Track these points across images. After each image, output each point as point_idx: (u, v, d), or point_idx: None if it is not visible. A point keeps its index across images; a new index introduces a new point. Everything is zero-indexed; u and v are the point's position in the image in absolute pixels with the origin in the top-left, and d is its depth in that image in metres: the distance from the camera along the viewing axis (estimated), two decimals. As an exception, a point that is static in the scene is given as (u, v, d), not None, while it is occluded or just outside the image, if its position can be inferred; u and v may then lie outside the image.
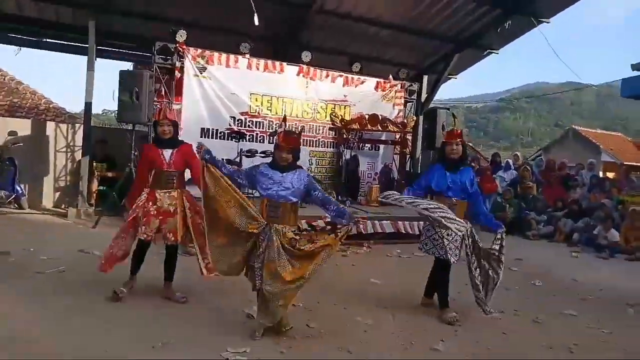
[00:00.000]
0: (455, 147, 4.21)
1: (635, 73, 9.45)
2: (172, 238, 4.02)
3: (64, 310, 3.75)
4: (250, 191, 7.71)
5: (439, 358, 3.35)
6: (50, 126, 9.24)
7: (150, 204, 4.01)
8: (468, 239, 4.05)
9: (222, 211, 3.48)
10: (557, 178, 10.43)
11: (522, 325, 4.16)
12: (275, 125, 8.85)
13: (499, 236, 4.13)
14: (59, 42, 10.22)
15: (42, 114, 12.24)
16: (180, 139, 4.38)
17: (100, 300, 3.97)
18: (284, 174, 3.51)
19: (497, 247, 4.10)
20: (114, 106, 8.34)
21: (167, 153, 4.08)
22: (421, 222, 5.50)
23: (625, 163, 20.45)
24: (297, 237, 3.44)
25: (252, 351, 3.18)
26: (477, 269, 4.07)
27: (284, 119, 4.44)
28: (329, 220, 4.05)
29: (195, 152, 3.74)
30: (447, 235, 4.05)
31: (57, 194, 9.05)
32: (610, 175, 14.60)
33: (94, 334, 3.34)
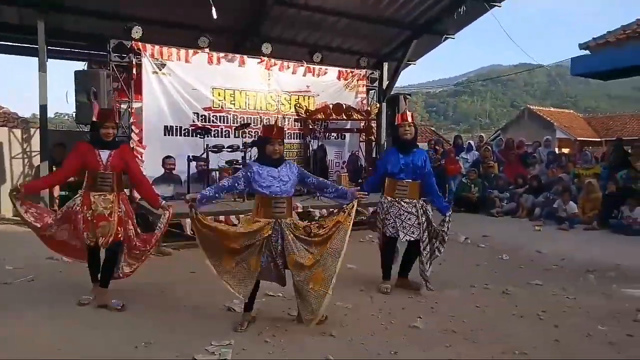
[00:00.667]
0: (407, 129, 4.38)
1: (584, 52, 9.92)
2: (104, 242, 3.81)
3: (40, 317, 3.67)
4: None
5: (419, 334, 3.46)
6: (2, 132, 8.84)
7: (85, 208, 3.80)
8: (421, 217, 4.29)
9: (226, 245, 3.40)
10: (516, 156, 10.82)
11: (493, 298, 4.35)
12: (240, 119, 8.79)
13: (447, 219, 4.39)
14: (4, 43, 9.74)
15: (-8, 120, 11.69)
16: (119, 140, 4.24)
17: (74, 305, 3.89)
18: (279, 168, 3.51)
19: (445, 229, 4.37)
20: (67, 109, 8.08)
21: (104, 154, 3.86)
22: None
23: (578, 139, 21.46)
24: (309, 225, 3.47)
25: (237, 343, 3.21)
26: (427, 247, 4.33)
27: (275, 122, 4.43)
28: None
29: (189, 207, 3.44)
30: (399, 215, 4.28)
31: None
32: (565, 151, 15.28)
33: (74, 337, 3.28)
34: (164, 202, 4.08)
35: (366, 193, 3.81)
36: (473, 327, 3.58)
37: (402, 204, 4.31)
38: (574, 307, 4.11)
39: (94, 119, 4.04)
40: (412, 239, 4.32)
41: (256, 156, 3.99)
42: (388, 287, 4.40)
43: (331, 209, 3.76)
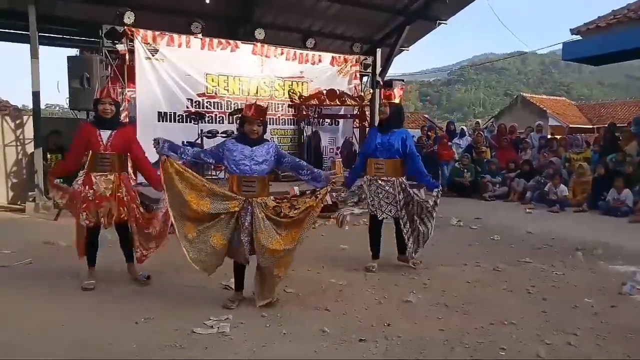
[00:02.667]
0: (382, 109, 4.48)
1: (575, 37, 9.99)
2: (107, 222, 3.87)
3: (41, 296, 3.73)
4: (214, 172, 7.79)
5: (412, 307, 3.57)
6: (-5, 120, 8.80)
7: (87, 187, 3.83)
8: (399, 195, 4.35)
9: (193, 204, 3.35)
10: (508, 141, 10.93)
11: (484, 275, 4.46)
12: (234, 105, 8.81)
13: (434, 194, 4.45)
14: (-5, 30, 9.66)
15: (-16, 109, 11.58)
16: (123, 121, 4.24)
17: (74, 285, 3.95)
18: (254, 147, 3.48)
19: (431, 203, 4.40)
20: (58, 100, 8.06)
21: (104, 134, 3.85)
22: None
23: (570, 126, 21.63)
24: (280, 205, 3.45)
25: (235, 317, 3.29)
26: (407, 224, 4.39)
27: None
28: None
29: (155, 149, 3.49)
30: (377, 193, 4.36)
31: (11, 189, 8.69)
32: (558, 137, 15.39)
33: (74, 314, 3.35)
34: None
35: (340, 180, 3.88)
36: (464, 301, 3.68)
37: (380, 182, 4.38)
38: (562, 282, 4.23)
39: (95, 97, 4.06)
40: (388, 217, 4.40)
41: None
42: (374, 266, 4.48)
43: (304, 192, 3.75)
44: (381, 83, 10.75)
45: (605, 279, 4.30)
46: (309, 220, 3.47)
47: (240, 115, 4.02)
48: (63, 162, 4.15)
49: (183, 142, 7.50)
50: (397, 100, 4.65)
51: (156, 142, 3.50)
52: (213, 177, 7.84)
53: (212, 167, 7.81)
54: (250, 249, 3.42)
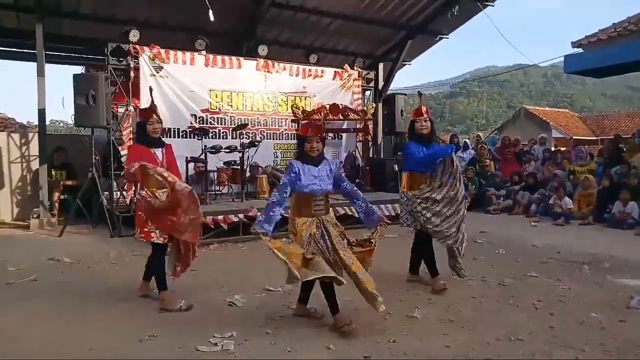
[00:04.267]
0: (424, 123, 4.38)
1: (577, 50, 10.06)
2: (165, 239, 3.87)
3: (47, 313, 3.74)
4: (217, 188, 7.77)
5: (417, 323, 3.53)
6: (1, 137, 8.88)
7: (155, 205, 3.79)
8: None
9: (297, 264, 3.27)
10: (512, 154, 10.94)
11: (490, 289, 4.42)
12: (238, 120, 8.87)
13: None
14: (3, 49, 9.80)
15: (-10, 126, 11.73)
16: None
17: (79, 302, 3.94)
18: (319, 167, 3.48)
19: (460, 214, 4.36)
20: (62, 116, 8.14)
21: (158, 152, 3.95)
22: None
23: (574, 137, 21.62)
24: (343, 231, 3.48)
25: (239, 334, 3.27)
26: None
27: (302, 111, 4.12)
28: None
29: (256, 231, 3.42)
30: (423, 209, 4.26)
31: (16, 206, 8.74)
32: (562, 149, 15.39)
33: (80, 332, 3.34)
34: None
35: (389, 222, 3.73)
36: (470, 317, 3.65)
37: (433, 196, 4.31)
38: (569, 296, 4.18)
39: (138, 119, 4.11)
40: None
41: (296, 154, 3.93)
42: (444, 283, 4.32)
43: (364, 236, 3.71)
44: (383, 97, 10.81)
45: (612, 293, 4.25)
46: (366, 262, 3.48)
47: (298, 135, 3.99)
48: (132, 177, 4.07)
49: (187, 158, 7.57)
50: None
51: (255, 230, 3.39)
52: (216, 192, 7.86)
53: (216, 182, 7.84)
54: (338, 263, 3.35)
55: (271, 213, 3.41)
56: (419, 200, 4.29)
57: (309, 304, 3.68)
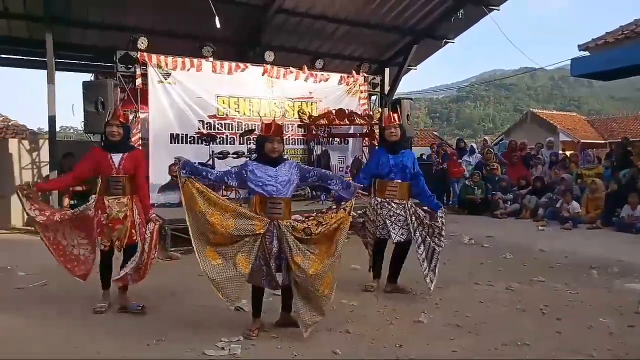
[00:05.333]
0: (393, 131, 4.40)
1: (583, 53, 10.02)
2: (119, 245, 3.89)
3: (55, 317, 3.79)
4: (225, 192, 7.85)
5: (423, 328, 3.54)
6: (12, 143, 9.02)
7: (100, 212, 3.85)
8: (411, 218, 4.29)
9: (217, 226, 3.26)
10: (519, 158, 10.90)
11: (496, 294, 4.42)
12: (245, 126, 8.92)
13: (440, 215, 4.33)
14: (15, 57, 9.96)
15: (2, 132, 11.90)
16: (133, 144, 4.21)
17: (87, 307, 3.98)
18: (277, 167, 3.42)
19: (439, 224, 4.30)
20: (72, 122, 8.24)
21: (116, 157, 3.88)
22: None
23: (582, 141, 21.47)
24: (307, 225, 3.39)
25: (246, 339, 3.29)
26: (422, 245, 4.29)
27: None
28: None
29: (175, 168, 3.45)
30: (390, 216, 4.30)
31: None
32: (568, 153, 15.30)
33: (88, 337, 3.37)
34: (153, 214, 4.04)
35: (366, 193, 3.81)
36: (476, 321, 3.65)
37: (392, 204, 4.32)
38: (576, 301, 4.17)
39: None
40: (402, 240, 4.32)
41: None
42: (373, 285, 4.46)
43: (330, 207, 3.71)
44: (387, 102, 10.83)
45: (621, 297, 4.23)
46: (341, 234, 3.43)
47: (257, 136, 3.92)
48: (61, 179, 4.12)
49: (207, 166, 7.61)
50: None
51: (177, 159, 3.45)
52: (224, 196, 7.89)
53: (223, 187, 7.89)
54: (275, 272, 3.36)
55: (204, 171, 3.46)
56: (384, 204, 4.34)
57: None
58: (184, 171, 3.36)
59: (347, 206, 3.55)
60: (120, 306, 3.95)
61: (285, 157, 3.67)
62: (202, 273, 3.31)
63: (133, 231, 3.92)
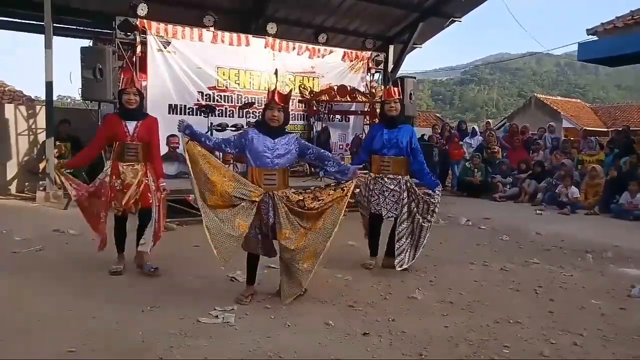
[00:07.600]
0: (393, 105, 4.32)
1: (592, 37, 9.85)
2: (134, 208, 3.94)
3: (50, 281, 3.79)
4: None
5: (417, 304, 3.55)
6: (8, 109, 8.91)
7: (114, 178, 3.90)
8: (403, 194, 4.24)
9: (218, 184, 3.28)
10: (520, 142, 10.83)
11: (491, 274, 4.42)
12: (245, 99, 8.82)
13: (437, 192, 4.30)
14: (11, 19, 9.77)
15: (-2, 98, 11.79)
16: (146, 112, 4.23)
17: (84, 273, 4.00)
18: (276, 139, 3.38)
19: (435, 201, 4.28)
20: (69, 91, 8.13)
21: (130, 125, 3.90)
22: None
23: (585, 128, 21.34)
24: (302, 198, 3.38)
25: (239, 309, 3.30)
26: (404, 223, 4.24)
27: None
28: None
29: (177, 128, 3.47)
30: (382, 192, 4.26)
31: (21, 177, 8.80)
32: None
33: (83, 301, 3.38)
34: (163, 183, 4.05)
35: (366, 173, 3.77)
36: (470, 300, 3.65)
37: (385, 180, 4.27)
38: (570, 283, 4.18)
39: (120, 87, 4.10)
40: (392, 216, 4.28)
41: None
42: (372, 263, 4.43)
43: (329, 184, 3.67)
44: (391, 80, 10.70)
45: (614, 281, 4.24)
46: (334, 216, 3.41)
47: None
48: (85, 152, 4.18)
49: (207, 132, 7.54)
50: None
51: (181, 121, 3.46)
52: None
53: (222, 160, 7.85)
54: (271, 240, 3.40)
55: (204, 137, 3.49)
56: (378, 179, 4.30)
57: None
58: (186, 132, 3.40)
59: (345, 186, 3.51)
60: (137, 264, 4.07)
61: (289, 131, 3.64)
62: (204, 227, 3.29)
63: (149, 194, 3.94)
